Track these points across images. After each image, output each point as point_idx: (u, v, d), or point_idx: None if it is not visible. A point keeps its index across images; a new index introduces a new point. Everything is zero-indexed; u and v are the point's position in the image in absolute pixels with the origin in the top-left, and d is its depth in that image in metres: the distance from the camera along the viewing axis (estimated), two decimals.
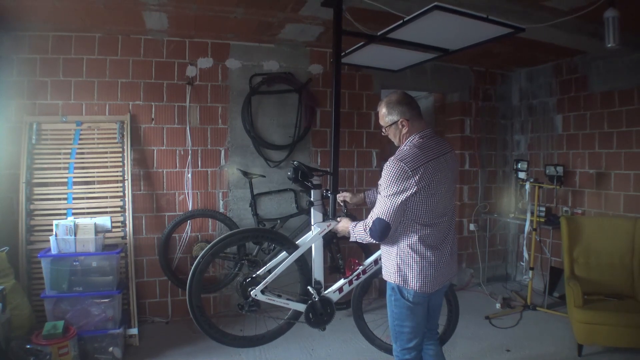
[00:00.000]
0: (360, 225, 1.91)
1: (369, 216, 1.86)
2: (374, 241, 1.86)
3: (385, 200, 1.78)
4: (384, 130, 1.97)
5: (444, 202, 1.85)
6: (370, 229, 1.83)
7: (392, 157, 1.78)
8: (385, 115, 1.91)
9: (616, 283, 3.15)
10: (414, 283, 1.82)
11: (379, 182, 1.86)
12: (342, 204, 2.51)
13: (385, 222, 1.78)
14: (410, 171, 1.72)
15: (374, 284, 3.97)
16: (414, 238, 1.81)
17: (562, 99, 4.22)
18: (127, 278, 3.15)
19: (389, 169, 1.75)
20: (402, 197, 1.74)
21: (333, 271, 3.48)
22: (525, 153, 4.60)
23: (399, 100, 1.90)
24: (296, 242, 2.31)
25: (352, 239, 1.98)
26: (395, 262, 1.85)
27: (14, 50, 3.18)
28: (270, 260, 2.39)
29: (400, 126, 1.88)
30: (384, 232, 1.79)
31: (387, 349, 2.59)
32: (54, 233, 2.76)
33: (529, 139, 4.58)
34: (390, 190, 1.75)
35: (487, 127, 4.64)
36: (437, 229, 1.84)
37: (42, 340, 2.50)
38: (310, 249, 2.34)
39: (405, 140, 1.89)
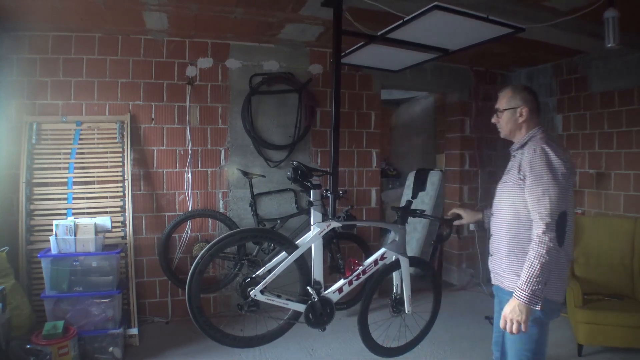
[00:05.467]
0: (538, 253, 1.52)
1: (536, 224, 1.57)
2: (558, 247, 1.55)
3: (550, 190, 1.56)
4: (496, 115, 1.85)
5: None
6: (556, 236, 1.53)
7: (539, 146, 1.63)
8: (509, 98, 1.80)
9: (616, 283, 3.15)
10: (556, 292, 1.61)
11: (521, 175, 1.65)
12: (452, 223, 2.27)
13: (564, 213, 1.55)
14: (565, 159, 1.60)
15: None
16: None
17: (562, 99, 4.21)
18: (127, 278, 3.15)
19: (545, 156, 1.59)
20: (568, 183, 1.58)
21: (333, 271, 3.47)
22: None
23: (527, 89, 1.82)
24: (296, 242, 2.31)
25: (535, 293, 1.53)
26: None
27: (14, 50, 3.18)
28: (269, 260, 2.38)
29: (518, 114, 1.77)
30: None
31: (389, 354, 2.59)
32: (54, 233, 2.76)
33: None
34: (553, 176, 1.56)
35: (487, 127, 4.60)
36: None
37: (42, 340, 2.50)
38: (310, 249, 2.34)
39: (524, 132, 1.78)
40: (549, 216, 1.54)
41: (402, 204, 2.57)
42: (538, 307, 1.53)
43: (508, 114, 1.81)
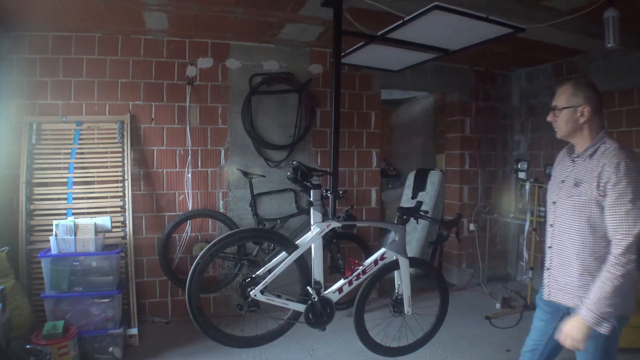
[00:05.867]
0: (613, 274, 1.44)
1: (615, 243, 1.47)
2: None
3: (634, 211, 1.45)
4: (553, 113, 1.69)
5: None
6: (635, 259, 1.44)
7: (622, 160, 1.49)
8: (569, 95, 1.63)
9: None
10: (630, 307, 1.54)
11: (598, 186, 1.53)
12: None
13: None
14: None
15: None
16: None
17: None
18: (127, 278, 3.15)
19: (629, 172, 1.46)
20: None
21: (333, 271, 3.47)
22: (526, 153, 4.59)
23: (591, 85, 1.64)
24: (296, 242, 2.31)
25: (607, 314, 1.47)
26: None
27: (14, 50, 3.18)
28: (269, 260, 2.38)
29: (579, 113, 1.61)
30: None
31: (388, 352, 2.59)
32: (54, 233, 2.76)
33: (529, 139, 4.57)
34: (638, 195, 1.46)
35: (487, 127, 4.64)
36: None
37: (42, 340, 2.50)
38: (310, 249, 2.33)
39: (587, 135, 1.63)
40: (631, 237, 1.44)
41: (402, 204, 2.57)
42: (603, 330, 1.47)
43: (567, 112, 1.64)
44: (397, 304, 2.46)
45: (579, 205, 1.60)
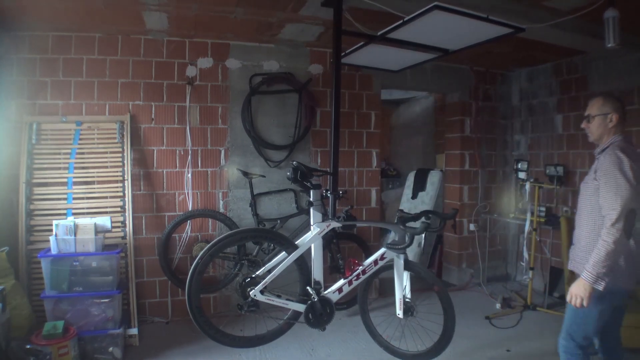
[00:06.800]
0: (605, 241, 1.80)
1: (607, 217, 1.82)
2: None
3: (620, 190, 1.81)
4: (587, 120, 2.05)
5: None
6: (623, 228, 1.79)
7: (614, 152, 1.88)
8: (600, 105, 2.01)
9: None
10: (622, 279, 1.89)
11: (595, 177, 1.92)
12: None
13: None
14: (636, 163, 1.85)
15: (374, 284, 3.97)
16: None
17: (562, 99, 4.21)
18: (127, 278, 3.15)
19: (617, 160, 1.85)
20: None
21: (333, 271, 3.48)
22: (526, 153, 4.59)
23: (617, 98, 2.04)
24: (296, 242, 2.31)
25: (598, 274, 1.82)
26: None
27: (14, 50, 3.18)
28: (269, 260, 2.39)
29: (608, 120, 1.98)
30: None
31: (387, 347, 2.60)
32: (54, 233, 2.76)
33: (529, 139, 4.57)
34: (623, 177, 1.83)
35: (487, 127, 4.64)
36: None
37: (42, 340, 2.50)
38: (310, 249, 2.34)
39: (608, 138, 1.99)
40: (619, 211, 1.78)
41: (402, 204, 2.58)
42: (601, 288, 1.81)
43: (599, 119, 2.01)
44: (407, 308, 2.44)
45: (586, 191, 2.01)
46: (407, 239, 2.34)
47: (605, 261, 1.79)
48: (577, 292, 1.86)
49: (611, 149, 1.92)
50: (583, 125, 2.09)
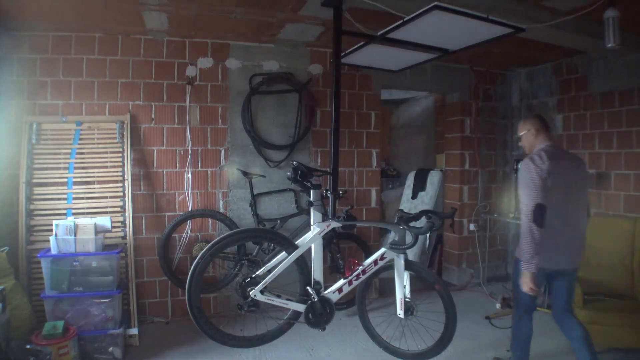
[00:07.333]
0: (523, 233, 2.18)
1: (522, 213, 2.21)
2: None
3: (526, 189, 2.21)
4: (519, 142, 2.51)
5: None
6: (534, 220, 2.13)
7: (527, 158, 2.29)
8: (522, 125, 2.46)
9: (616, 283, 3.15)
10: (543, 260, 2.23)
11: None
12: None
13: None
14: (542, 165, 2.21)
15: (374, 284, 3.97)
16: None
17: (562, 99, 4.21)
18: (127, 278, 3.15)
19: (525, 165, 2.27)
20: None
21: (333, 271, 3.48)
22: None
23: (535, 115, 2.55)
24: (296, 242, 2.31)
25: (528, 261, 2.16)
26: None
27: (14, 50, 3.18)
28: (269, 260, 2.39)
29: (530, 134, 2.40)
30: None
31: (387, 347, 2.60)
32: (54, 233, 2.76)
33: None
34: (529, 177, 2.22)
35: (487, 127, 4.64)
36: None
37: (42, 340, 2.50)
38: (310, 249, 2.34)
39: (539, 147, 2.35)
40: (528, 206, 2.15)
41: (402, 204, 2.58)
42: (532, 270, 2.17)
43: (524, 136, 2.44)
44: (407, 307, 2.44)
45: None
46: (411, 239, 2.34)
47: (526, 248, 2.14)
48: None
49: (527, 157, 2.30)
50: (520, 144, 2.51)
